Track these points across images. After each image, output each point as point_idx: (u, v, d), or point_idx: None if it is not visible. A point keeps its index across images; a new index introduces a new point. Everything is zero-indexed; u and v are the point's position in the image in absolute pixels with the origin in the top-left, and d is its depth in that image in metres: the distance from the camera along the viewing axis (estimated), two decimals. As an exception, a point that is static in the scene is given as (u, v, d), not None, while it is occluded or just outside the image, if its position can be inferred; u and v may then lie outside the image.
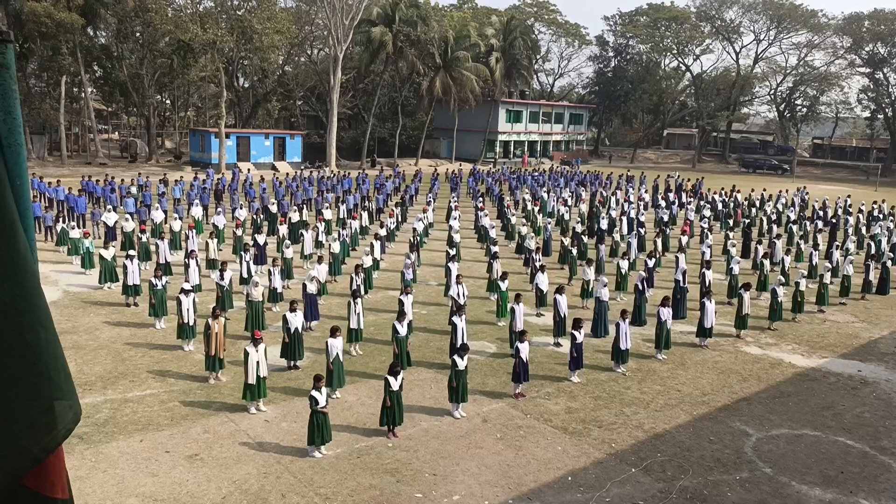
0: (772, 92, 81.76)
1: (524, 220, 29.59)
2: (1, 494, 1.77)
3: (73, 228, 22.49)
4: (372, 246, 21.60)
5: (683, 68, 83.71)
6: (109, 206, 26.20)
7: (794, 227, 31.97)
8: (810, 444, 11.91)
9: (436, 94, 57.89)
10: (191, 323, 14.67)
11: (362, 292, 16.97)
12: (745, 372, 15.25)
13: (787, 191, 43.58)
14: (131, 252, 18.53)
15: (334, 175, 44.88)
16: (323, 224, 26.26)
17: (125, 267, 17.66)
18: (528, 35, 68.46)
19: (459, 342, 13.79)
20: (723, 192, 40.44)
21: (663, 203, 36.41)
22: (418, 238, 24.06)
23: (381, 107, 64.56)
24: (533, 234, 24.99)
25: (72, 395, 1.87)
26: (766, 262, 21.94)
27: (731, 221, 33.24)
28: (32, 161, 48.55)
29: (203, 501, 9.30)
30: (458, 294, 16.62)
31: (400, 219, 29.65)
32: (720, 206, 36.52)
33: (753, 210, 37.37)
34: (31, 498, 1.82)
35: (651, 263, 21.30)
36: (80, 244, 21.05)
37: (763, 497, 10.10)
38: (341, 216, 29.15)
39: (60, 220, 24.41)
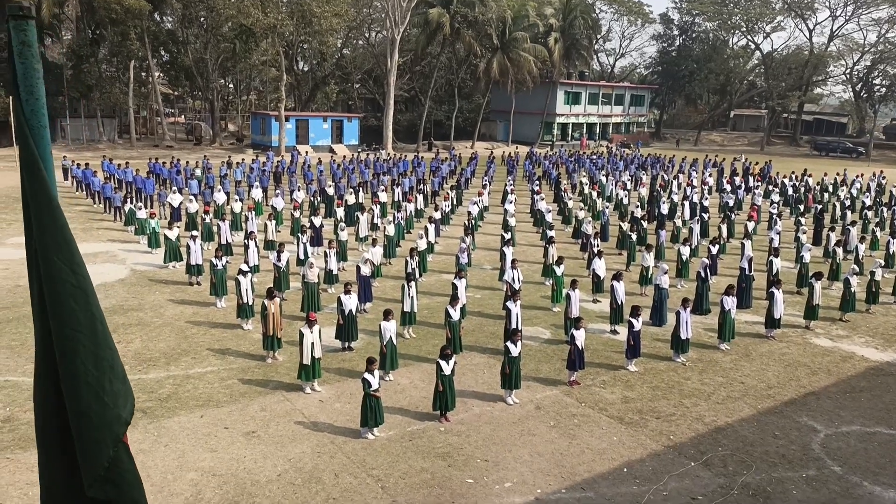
0: (848, 71, 77.38)
1: (581, 204, 29.01)
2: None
3: (140, 209, 23.30)
4: (426, 229, 21.56)
5: (753, 47, 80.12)
6: (175, 188, 27.01)
7: (870, 214, 30.25)
8: (884, 442, 11.27)
9: (493, 75, 57.21)
10: (249, 303, 14.98)
11: (416, 275, 16.96)
12: (815, 365, 14.55)
13: (862, 175, 41.28)
14: (194, 232, 19.06)
15: (390, 158, 45.06)
16: (378, 207, 26.38)
17: (188, 247, 18.17)
18: (589, 14, 66.71)
19: (513, 327, 13.61)
20: (793, 176, 38.63)
21: (728, 187, 35.04)
22: (473, 221, 23.89)
23: (438, 89, 64.33)
24: (590, 219, 24.44)
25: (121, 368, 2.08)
26: (839, 251, 20.85)
27: (801, 207, 31.77)
28: (104, 144, 50.61)
29: (259, 478, 9.49)
30: (513, 279, 16.41)
31: (455, 202, 29.52)
32: (790, 191, 34.91)
33: (826, 195, 35.64)
34: (124, 448, 2.09)
35: (715, 250, 20.54)
36: (147, 224, 21.78)
37: (831, 496, 9.61)
38: (396, 199, 29.21)
39: (129, 200, 25.31)
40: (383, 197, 27.92)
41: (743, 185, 36.45)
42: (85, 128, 52.21)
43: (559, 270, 17.35)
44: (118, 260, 20.69)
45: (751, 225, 24.02)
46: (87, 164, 32.41)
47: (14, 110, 1.66)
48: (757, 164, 46.85)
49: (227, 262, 17.37)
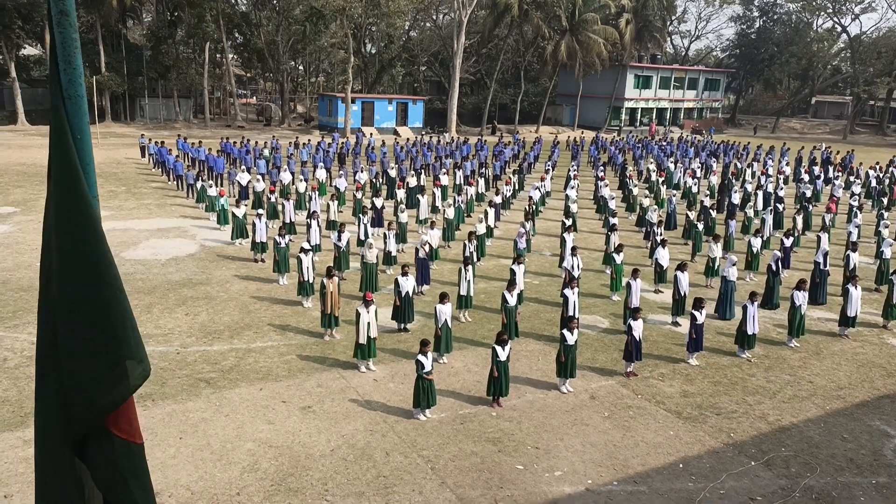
0: (946, 54, 72.12)
1: (647, 192, 28.22)
2: (84, 441, 1.89)
3: (210, 187, 24.09)
4: (486, 213, 21.46)
5: (839, 29, 75.62)
6: (244, 167, 27.79)
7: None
8: (966, 453, 10.56)
9: (560, 58, 56.12)
10: (310, 281, 15.30)
11: (474, 259, 16.92)
12: (891, 367, 13.76)
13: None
14: (260, 211, 19.57)
15: (453, 141, 44.98)
16: (439, 189, 26.42)
17: (254, 224, 18.68)
18: (664, -6, 64.44)
19: (569, 315, 13.40)
20: (878, 167, 36.43)
21: (806, 177, 33.38)
22: (534, 207, 23.61)
23: (504, 72, 63.66)
24: (656, 207, 23.75)
25: (139, 353, 1.93)
26: (926, 247, 19.55)
27: (885, 200, 29.94)
28: (179, 123, 52.54)
29: (313, 452, 9.72)
30: (573, 266, 16.15)
31: (517, 186, 29.25)
32: (874, 183, 32.95)
33: (913, 188, 33.43)
34: (124, 446, 1.96)
35: (788, 242, 19.63)
36: (216, 202, 22.51)
37: (903, 507, 9.10)
38: (458, 182, 29.17)
39: (200, 178, 26.21)
40: (445, 180, 27.91)
41: (822, 175, 34.66)
42: (162, 107, 54.32)
43: (619, 258, 16.97)
44: (189, 235, 21.49)
45: (828, 217, 22.84)
46: (162, 143, 33.73)
47: (50, 79, 1.68)
48: (838, 153, 44.41)
49: (289, 240, 17.77)
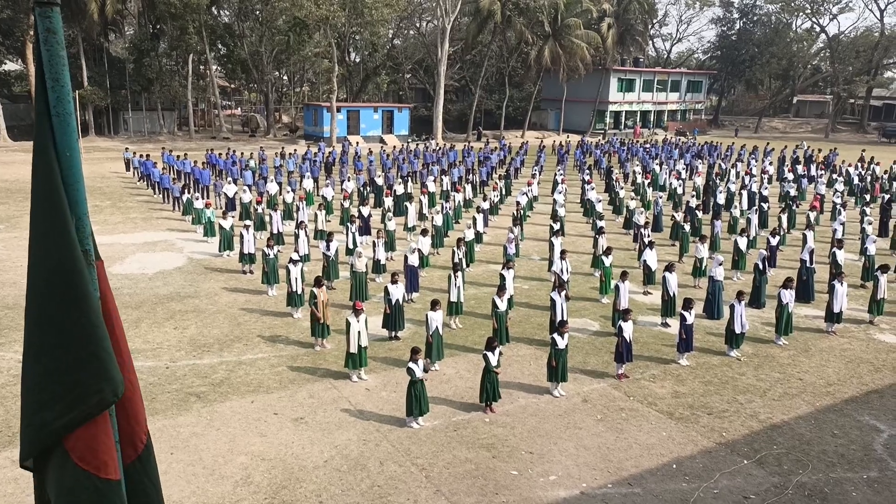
0: (923, 52, 73.29)
1: (633, 194, 28.39)
2: (33, 464, 1.81)
3: (197, 199, 23.96)
4: (474, 219, 21.49)
5: (818, 29, 76.65)
6: (230, 179, 27.67)
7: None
8: (955, 446, 10.67)
9: (544, 63, 56.39)
10: (299, 291, 15.24)
11: (464, 266, 16.93)
12: (878, 362, 13.90)
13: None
14: (247, 222, 19.50)
15: (440, 148, 45.06)
16: (427, 197, 26.42)
17: (241, 236, 18.60)
18: (645, -2, 65.02)
19: (559, 319, 13.44)
20: (859, 165, 36.88)
21: (790, 176, 33.72)
22: (522, 212, 23.68)
23: (488, 78, 63.86)
24: (642, 209, 23.90)
25: (104, 376, 1.83)
26: (909, 242, 19.82)
27: (867, 197, 30.29)
28: (164, 135, 52.26)
29: (306, 464, 9.66)
30: (562, 270, 16.21)
31: (504, 192, 29.33)
32: (856, 180, 33.35)
33: (894, 184, 33.88)
34: (84, 478, 1.83)
35: (775, 241, 19.81)
36: (203, 214, 22.38)
37: (894, 500, 9.17)
38: (445, 189, 29.21)
39: (186, 191, 26.07)
40: (432, 187, 27.94)
41: (805, 174, 35.02)
42: (146, 120, 53.99)
43: (607, 261, 17.05)
44: (176, 248, 21.35)
45: (813, 215, 23.09)
46: (147, 156, 33.53)
47: (35, 97, 1.67)
48: (820, 151, 44.94)
49: (278, 251, 17.68)
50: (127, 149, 37.76)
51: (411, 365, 10.52)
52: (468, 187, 28.63)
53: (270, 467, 9.55)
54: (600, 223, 21.28)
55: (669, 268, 15.63)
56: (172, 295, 16.84)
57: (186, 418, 10.83)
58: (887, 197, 28.25)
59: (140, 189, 31.70)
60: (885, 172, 36.81)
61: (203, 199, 24.61)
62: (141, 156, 34.16)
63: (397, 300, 13.91)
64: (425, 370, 10.57)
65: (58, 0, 1.60)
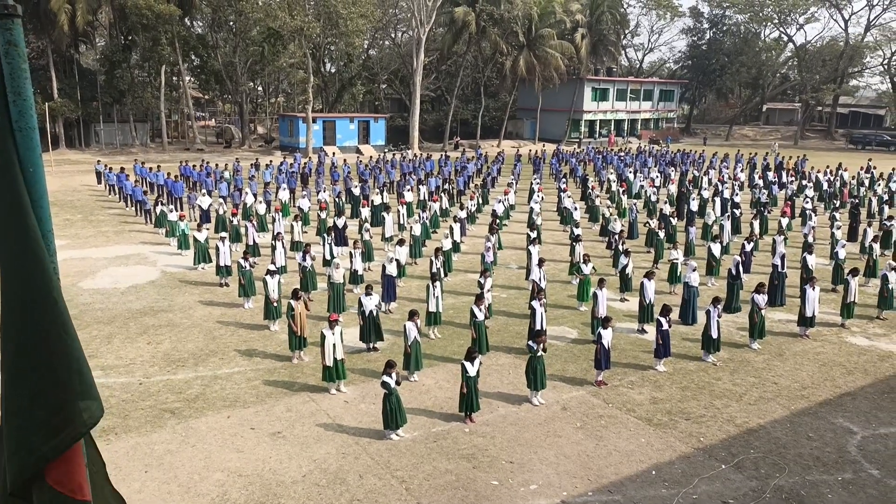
0: (885, 62, 75.21)
1: (609, 202, 28.66)
2: (20, 491, 1.75)
3: (171, 211, 23.63)
4: (452, 229, 21.50)
5: (785, 39, 78.37)
6: (204, 190, 27.36)
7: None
8: (925, 446, 10.88)
9: (519, 73, 56.87)
10: (276, 304, 15.08)
11: (441, 275, 16.90)
12: (850, 364, 14.14)
13: (900, 168, 40.03)
14: (223, 234, 19.27)
15: (416, 158, 45.10)
16: (404, 207, 26.38)
17: (217, 248, 18.38)
18: (617, 9, 65.91)
19: (538, 327, 13.47)
20: (828, 171, 37.67)
21: (761, 182, 34.31)
22: (499, 220, 23.75)
23: (464, 88, 64.19)
24: (617, 217, 24.13)
25: (86, 396, 1.80)
26: (876, 246, 20.25)
27: (836, 202, 30.94)
28: (136, 148, 51.57)
29: (284, 479, 9.52)
30: (540, 278, 16.26)
31: (481, 201, 29.41)
32: (825, 186, 34.05)
33: (862, 190, 34.66)
34: (61, 502, 1.80)
35: (749, 247, 20.11)
36: (177, 227, 22.08)
37: (868, 501, 9.31)
38: (422, 199, 29.20)
39: (159, 203, 25.70)
40: (409, 197, 27.91)
41: (776, 181, 35.67)
42: (118, 132, 53.26)
43: (586, 269, 17.16)
44: (149, 262, 21.03)
45: (784, 221, 23.49)
46: (121, 168, 33.04)
47: None
48: (790, 158, 45.85)
49: (254, 262, 17.49)
50: (99, 161, 37.16)
51: (385, 378, 10.44)
52: (445, 197, 28.66)
53: (248, 483, 9.39)
54: (577, 231, 21.43)
55: (648, 275, 15.77)
56: (146, 309, 16.56)
57: (160, 435, 10.62)
58: (855, 202, 28.90)
59: (112, 202, 31.21)
60: (853, 178, 37.63)
61: (177, 211, 24.29)
62: (110, 168, 33.66)
63: (371, 311, 13.82)
64: (397, 383, 10.47)
65: (19, 12, 1.56)
